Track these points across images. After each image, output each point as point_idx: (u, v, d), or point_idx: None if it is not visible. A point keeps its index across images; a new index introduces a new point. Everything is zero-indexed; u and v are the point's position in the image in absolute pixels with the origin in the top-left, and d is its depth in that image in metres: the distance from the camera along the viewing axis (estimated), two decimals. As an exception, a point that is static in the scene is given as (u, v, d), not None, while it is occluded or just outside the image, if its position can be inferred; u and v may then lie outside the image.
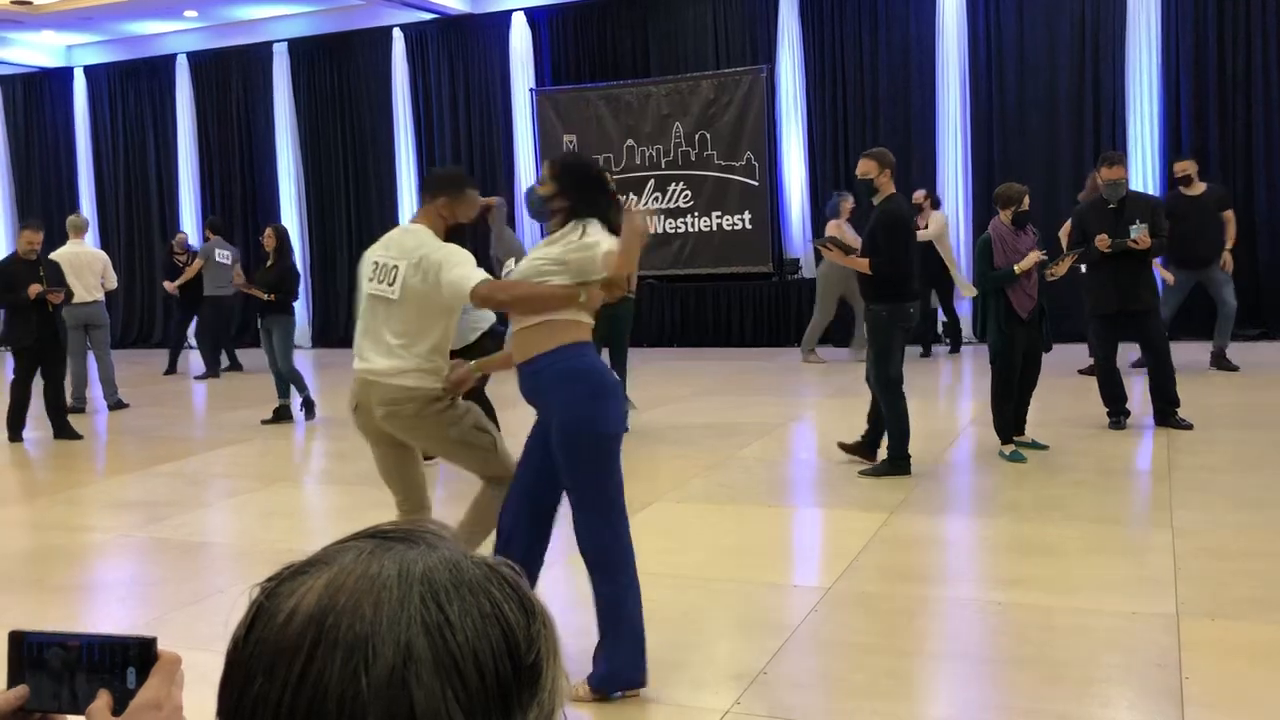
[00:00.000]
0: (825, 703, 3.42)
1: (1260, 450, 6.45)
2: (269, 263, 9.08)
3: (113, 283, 10.29)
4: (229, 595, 4.64)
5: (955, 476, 6.33)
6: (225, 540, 5.66)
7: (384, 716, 0.62)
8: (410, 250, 3.88)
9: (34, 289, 8.23)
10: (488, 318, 6.75)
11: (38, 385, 8.52)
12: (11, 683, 0.88)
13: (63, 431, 8.61)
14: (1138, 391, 7.71)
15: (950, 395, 9.52)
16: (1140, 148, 11.66)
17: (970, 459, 6.69)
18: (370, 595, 0.65)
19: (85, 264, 9.98)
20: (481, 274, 3.78)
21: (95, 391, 10.41)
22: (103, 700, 0.86)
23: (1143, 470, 6.41)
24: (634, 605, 3.48)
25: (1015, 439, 6.61)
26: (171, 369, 12.79)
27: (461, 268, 3.77)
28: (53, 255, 10.05)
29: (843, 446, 6.73)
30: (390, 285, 3.87)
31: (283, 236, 9.23)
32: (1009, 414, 6.59)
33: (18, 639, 0.88)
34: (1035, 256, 6.39)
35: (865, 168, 6.23)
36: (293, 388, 9.09)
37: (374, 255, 3.99)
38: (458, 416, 3.98)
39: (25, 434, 8.59)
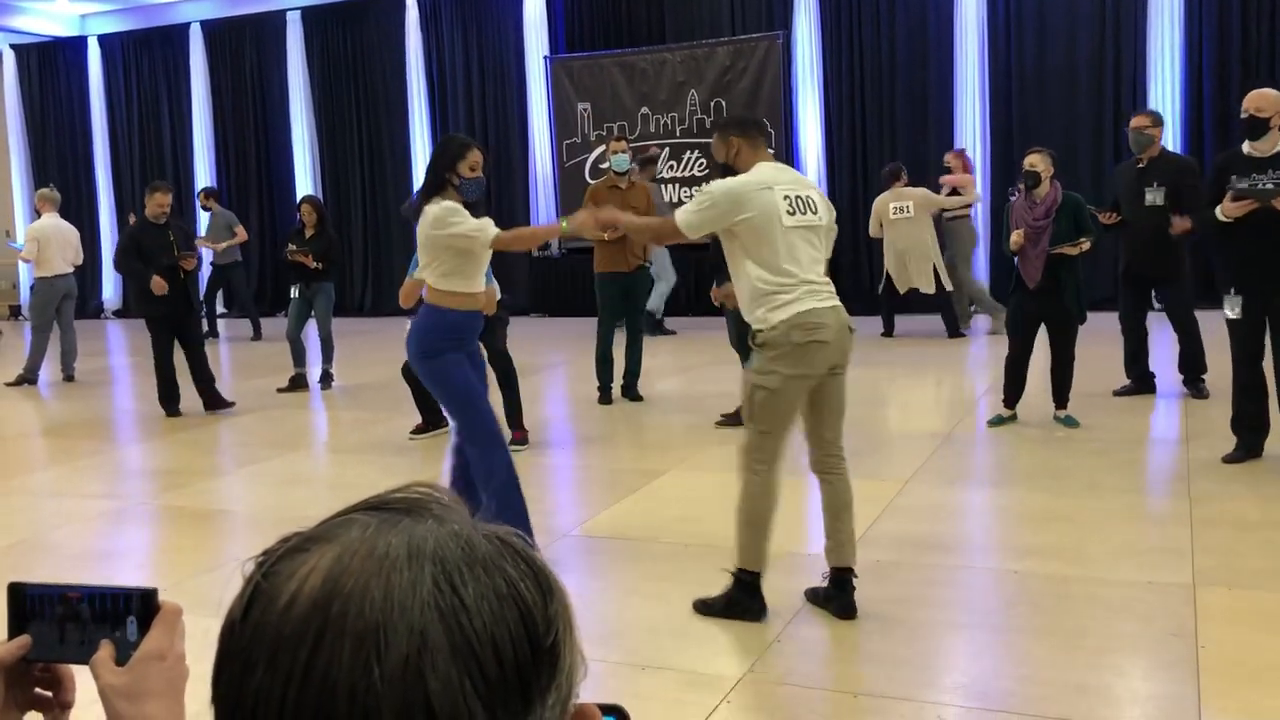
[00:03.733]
0: (839, 670, 3.42)
1: (1276, 420, 6.40)
2: (308, 234, 9.08)
3: (81, 257, 10.29)
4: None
5: (971, 446, 6.30)
6: (242, 508, 5.69)
7: (398, 709, 0.58)
8: (809, 184, 3.98)
9: (159, 285, 7.83)
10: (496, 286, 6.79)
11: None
12: (12, 634, 0.87)
13: (215, 403, 8.17)
14: (1164, 360, 7.65)
15: (968, 365, 9.46)
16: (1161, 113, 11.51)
17: (985, 428, 6.65)
18: (379, 577, 0.60)
19: (65, 237, 10.01)
20: None
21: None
22: (105, 651, 0.86)
23: (1160, 440, 6.37)
24: None
25: (1057, 414, 6.54)
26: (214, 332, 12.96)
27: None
28: (31, 227, 10.10)
29: (724, 416, 6.98)
30: (816, 214, 3.88)
31: (320, 209, 9.31)
32: (1013, 379, 6.58)
33: (18, 590, 0.88)
34: (1016, 238, 6.35)
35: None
36: (309, 354, 9.17)
37: (782, 189, 3.85)
38: None
39: (46, 397, 8.63)
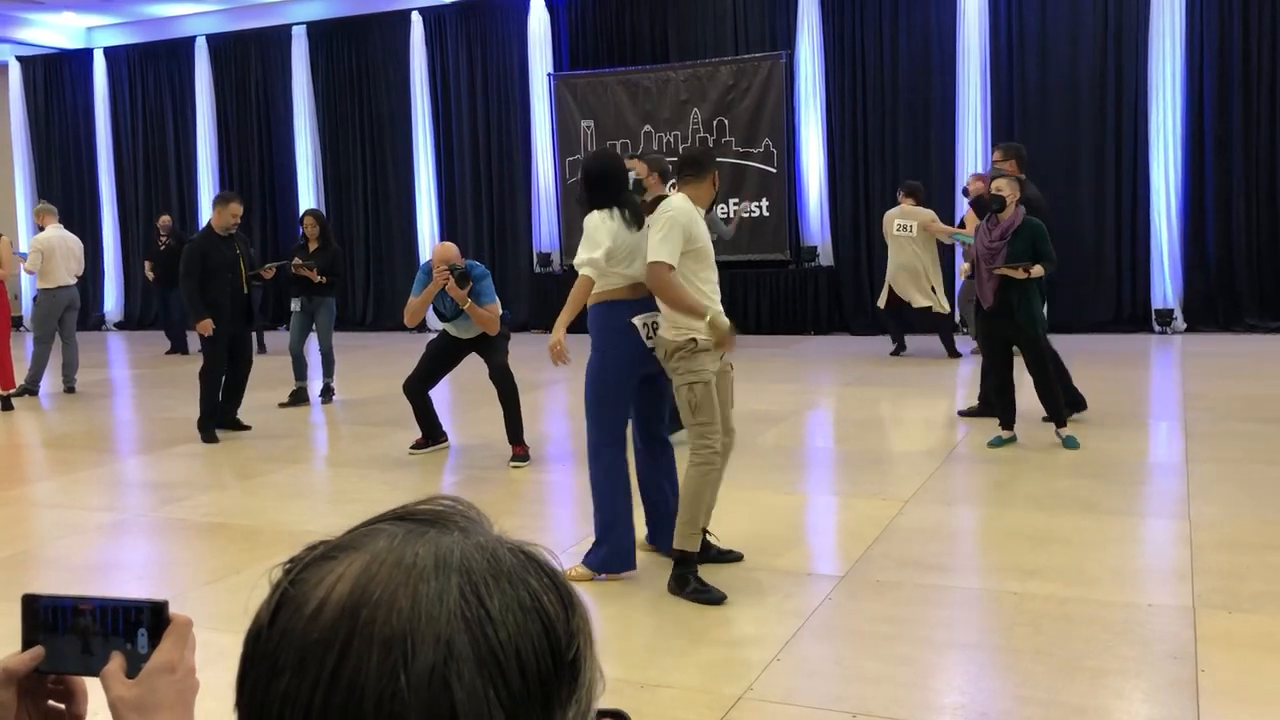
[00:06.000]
0: (838, 690, 3.42)
1: (1278, 444, 6.41)
2: (312, 247, 9.07)
3: (83, 268, 10.29)
4: (245, 576, 4.67)
5: (970, 466, 6.30)
6: (243, 522, 5.69)
7: (424, 717, 0.59)
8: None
9: (205, 327, 7.55)
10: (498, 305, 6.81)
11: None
12: (25, 645, 0.88)
13: (231, 424, 7.93)
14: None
15: (967, 386, 9.47)
16: (1162, 136, 11.56)
17: (985, 449, 6.66)
18: (406, 587, 0.61)
19: (69, 248, 10.01)
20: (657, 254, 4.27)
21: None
22: (116, 663, 0.86)
23: (1159, 463, 6.37)
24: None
25: (1059, 433, 6.55)
26: (184, 349, 13.02)
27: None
28: (36, 239, 10.07)
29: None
30: None
31: (323, 222, 9.25)
32: (1000, 401, 6.66)
33: (31, 602, 0.89)
34: (969, 253, 6.66)
35: (638, 168, 6.92)
36: (310, 368, 9.17)
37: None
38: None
39: (48, 412, 8.61)
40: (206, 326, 7.61)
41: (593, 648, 0.66)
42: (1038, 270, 6.36)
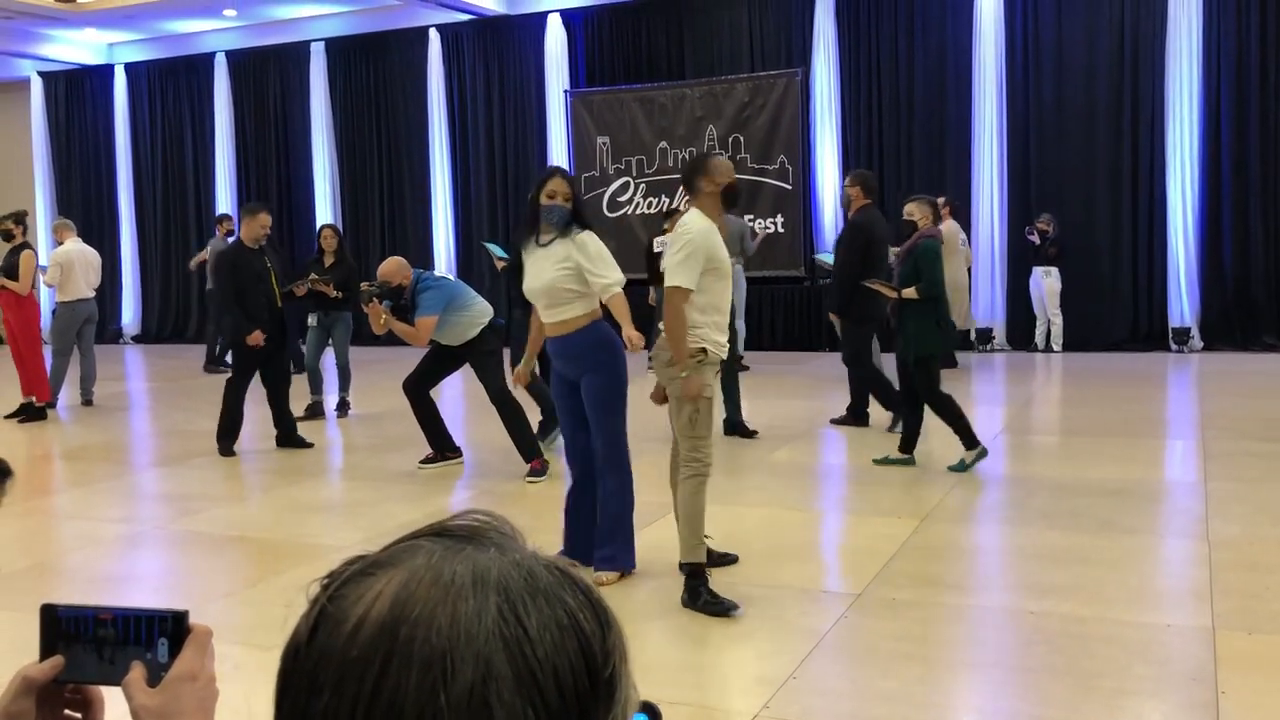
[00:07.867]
0: (854, 709, 3.40)
1: (1299, 463, 6.37)
2: (328, 262, 9.10)
3: (99, 279, 10.34)
4: (261, 589, 4.68)
5: (986, 484, 6.28)
6: (257, 534, 5.70)
7: None
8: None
9: (256, 339, 7.37)
10: (486, 312, 6.86)
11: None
12: (44, 655, 0.88)
13: (289, 440, 7.78)
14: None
15: (981, 403, 9.44)
16: (1179, 155, 11.53)
17: (1002, 467, 6.63)
18: (445, 605, 0.62)
19: (88, 261, 10.08)
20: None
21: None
22: (137, 672, 0.87)
23: (1177, 482, 6.34)
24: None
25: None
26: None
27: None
28: (55, 252, 10.12)
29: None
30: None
31: (341, 236, 9.33)
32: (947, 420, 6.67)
33: (50, 611, 0.89)
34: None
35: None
36: (326, 383, 9.21)
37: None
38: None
39: (67, 422, 8.64)
40: (258, 338, 7.44)
41: (628, 665, 0.66)
42: (909, 292, 6.38)
